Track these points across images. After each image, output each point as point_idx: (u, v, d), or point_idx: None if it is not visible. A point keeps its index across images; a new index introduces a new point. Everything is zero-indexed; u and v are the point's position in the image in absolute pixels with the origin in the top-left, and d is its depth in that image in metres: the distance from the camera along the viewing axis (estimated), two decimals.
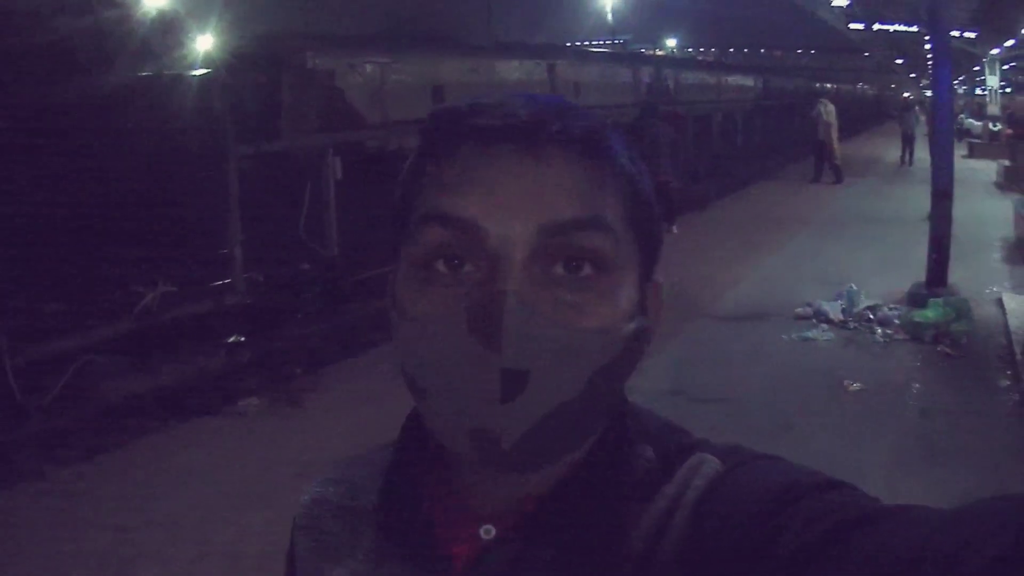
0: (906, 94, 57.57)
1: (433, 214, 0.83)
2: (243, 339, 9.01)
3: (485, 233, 0.80)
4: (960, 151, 20.65)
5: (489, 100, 0.86)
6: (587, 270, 0.82)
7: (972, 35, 28.50)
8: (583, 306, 0.81)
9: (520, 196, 0.81)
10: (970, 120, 32.81)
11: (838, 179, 22.43)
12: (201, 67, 10.70)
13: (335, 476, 1.04)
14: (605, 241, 0.82)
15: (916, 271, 10.50)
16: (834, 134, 22.47)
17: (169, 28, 11.49)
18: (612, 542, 0.83)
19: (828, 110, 22.67)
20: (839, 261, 12.20)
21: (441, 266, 0.82)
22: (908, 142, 27.02)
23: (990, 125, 30.97)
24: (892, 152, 28.25)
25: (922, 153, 23.66)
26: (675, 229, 14.34)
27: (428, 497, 0.91)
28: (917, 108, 27.99)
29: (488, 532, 0.87)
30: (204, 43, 11.40)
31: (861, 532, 0.69)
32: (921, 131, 24.99)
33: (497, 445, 0.80)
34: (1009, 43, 35.96)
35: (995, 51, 33.62)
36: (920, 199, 16.85)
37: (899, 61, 69.55)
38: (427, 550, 0.89)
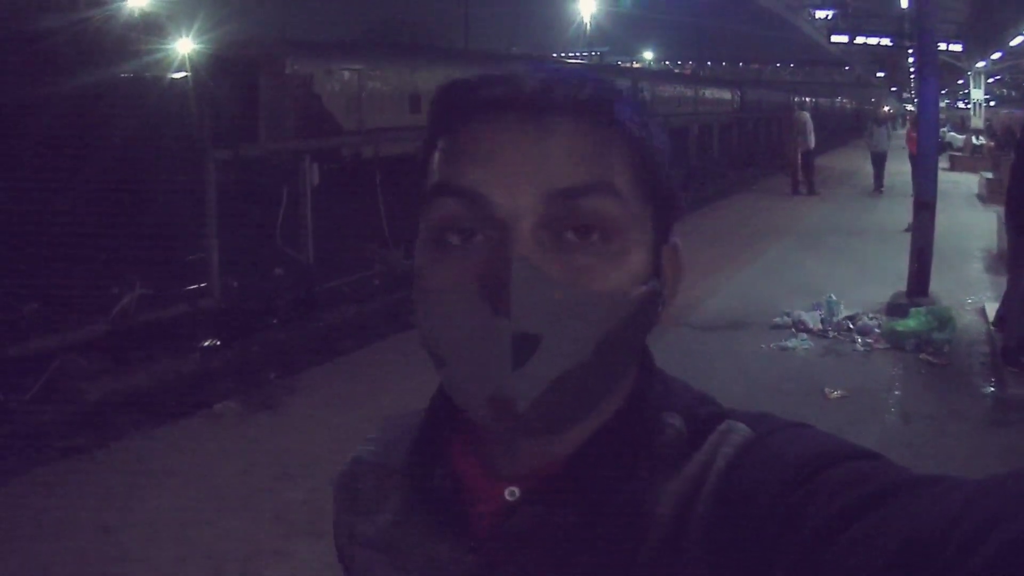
0: (886, 108, 57.55)
1: (442, 186, 0.85)
2: (218, 343, 8.97)
3: (492, 203, 0.82)
4: (942, 164, 20.57)
5: (497, 72, 0.88)
6: (596, 235, 0.83)
7: (957, 48, 28.57)
8: (592, 270, 0.83)
9: (525, 165, 0.82)
10: (952, 134, 32.82)
11: (793, 190, 22.52)
12: (180, 70, 10.61)
13: (373, 436, 1.08)
14: (612, 206, 0.84)
15: (894, 282, 10.56)
16: (795, 145, 22.44)
17: (149, 29, 11.40)
18: (637, 508, 0.84)
19: (794, 120, 22.73)
20: (816, 272, 12.19)
21: (454, 237, 0.84)
22: (879, 163, 23.21)
23: (972, 139, 30.81)
24: (869, 166, 27.90)
25: (892, 166, 23.55)
26: None
27: (455, 458, 0.94)
28: (889, 124, 27.23)
29: (513, 494, 0.89)
30: (183, 46, 11.27)
31: (890, 503, 0.68)
32: (898, 144, 24.69)
33: (513, 409, 0.81)
34: (995, 55, 36.13)
35: (981, 64, 33.78)
36: (896, 212, 16.96)
37: (880, 74, 70.00)
38: (452, 510, 0.92)
